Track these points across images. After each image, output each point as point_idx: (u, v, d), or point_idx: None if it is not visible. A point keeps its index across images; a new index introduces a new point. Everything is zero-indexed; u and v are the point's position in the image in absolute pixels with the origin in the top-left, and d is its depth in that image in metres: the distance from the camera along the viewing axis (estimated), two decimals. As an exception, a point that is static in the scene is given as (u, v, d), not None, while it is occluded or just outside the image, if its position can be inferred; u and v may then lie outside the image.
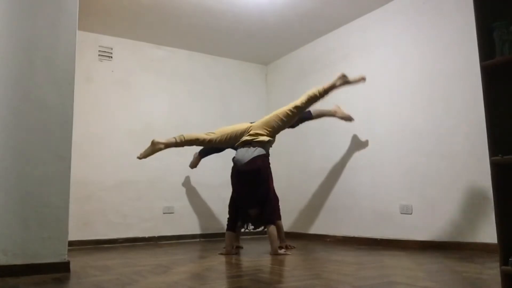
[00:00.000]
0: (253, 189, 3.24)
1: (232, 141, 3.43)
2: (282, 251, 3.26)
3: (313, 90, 3.45)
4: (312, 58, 4.81)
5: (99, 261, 2.99)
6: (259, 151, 3.31)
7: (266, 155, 3.39)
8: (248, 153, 3.27)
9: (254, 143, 3.33)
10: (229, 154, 3.49)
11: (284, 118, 3.43)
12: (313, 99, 3.44)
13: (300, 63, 4.92)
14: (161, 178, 4.62)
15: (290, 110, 3.43)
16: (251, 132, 3.39)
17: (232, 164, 3.44)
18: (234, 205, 3.35)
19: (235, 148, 3.43)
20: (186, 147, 3.58)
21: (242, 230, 3.55)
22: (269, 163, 3.54)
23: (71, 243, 2.99)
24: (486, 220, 2.95)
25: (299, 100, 3.45)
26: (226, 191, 3.52)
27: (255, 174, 3.24)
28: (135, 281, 2.14)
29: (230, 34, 4.57)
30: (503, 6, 1.63)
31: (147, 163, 4.54)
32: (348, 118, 4.00)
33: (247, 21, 4.25)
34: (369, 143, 3.98)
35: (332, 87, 3.49)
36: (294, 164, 4.88)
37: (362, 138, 4.07)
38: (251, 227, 3.43)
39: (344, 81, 3.54)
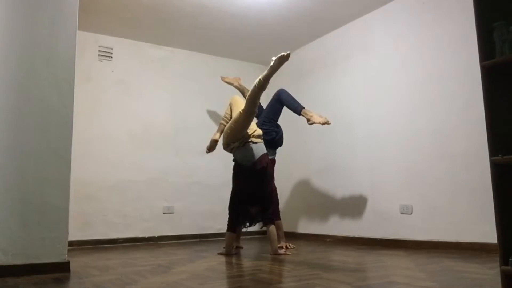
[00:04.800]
0: (257, 186, 3.24)
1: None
2: (282, 251, 3.26)
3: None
4: (312, 58, 4.81)
5: (99, 261, 2.98)
6: (262, 148, 3.31)
7: (268, 153, 3.40)
8: (255, 151, 3.26)
9: (253, 138, 3.31)
10: (228, 154, 3.49)
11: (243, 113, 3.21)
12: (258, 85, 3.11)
13: (300, 63, 4.92)
14: (161, 178, 4.62)
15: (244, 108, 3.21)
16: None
17: (232, 163, 3.45)
18: (234, 206, 3.34)
19: (233, 143, 3.37)
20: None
21: (243, 229, 3.55)
22: (274, 163, 3.54)
23: (71, 243, 2.99)
24: (486, 220, 2.94)
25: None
26: (226, 191, 3.52)
27: (262, 172, 3.25)
28: (135, 281, 2.14)
29: (230, 34, 4.57)
30: (503, 6, 1.63)
31: (147, 163, 4.56)
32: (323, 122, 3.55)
33: (247, 21, 4.25)
34: (369, 143, 3.99)
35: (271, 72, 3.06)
36: (294, 164, 4.88)
37: (362, 138, 4.07)
38: (247, 224, 3.43)
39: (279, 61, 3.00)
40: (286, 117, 3.91)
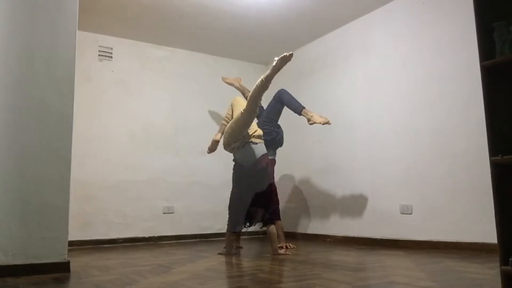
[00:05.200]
0: (258, 187, 3.24)
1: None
2: (282, 251, 3.26)
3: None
4: (312, 58, 4.81)
5: (99, 261, 2.99)
6: (262, 148, 3.31)
7: (268, 154, 3.39)
8: (255, 151, 3.25)
9: (253, 139, 3.31)
10: (229, 154, 3.49)
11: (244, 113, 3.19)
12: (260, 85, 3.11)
13: (300, 63, 4.91)
14: (161, 178, 4.62)
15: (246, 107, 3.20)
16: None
17: (232, 163, 3.45)
18: (234, 206, 3.34)
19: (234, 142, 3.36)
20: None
21: (243, 229, 3.55)
22: (274, 163, 3.53)
23: (71, 243, 2.99)
24: (486, 220, 2.94)
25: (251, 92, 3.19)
26: (226, 191, 3.52)
27: (262, 172, 3.24)
28: (135, 281, 2.14)
29: (230, 34, 4.56)
30: (503, 6, 1.63)
31: (147, 163, 4.56)
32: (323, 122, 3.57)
33: (247, 21, 4.25)
34: (369, 143, 3.98)
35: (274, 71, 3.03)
36: (294, 164, 4.88)
37: (362, 138, 4.07)
38: (247, 224, 3.43)
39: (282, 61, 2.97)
40: (286, 117, 3.92)
